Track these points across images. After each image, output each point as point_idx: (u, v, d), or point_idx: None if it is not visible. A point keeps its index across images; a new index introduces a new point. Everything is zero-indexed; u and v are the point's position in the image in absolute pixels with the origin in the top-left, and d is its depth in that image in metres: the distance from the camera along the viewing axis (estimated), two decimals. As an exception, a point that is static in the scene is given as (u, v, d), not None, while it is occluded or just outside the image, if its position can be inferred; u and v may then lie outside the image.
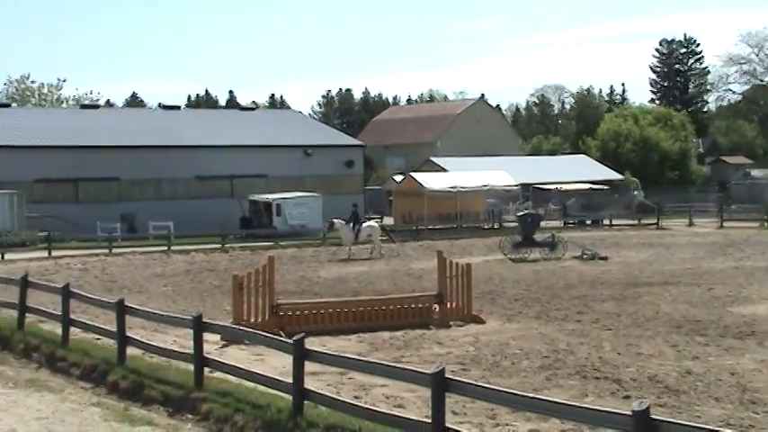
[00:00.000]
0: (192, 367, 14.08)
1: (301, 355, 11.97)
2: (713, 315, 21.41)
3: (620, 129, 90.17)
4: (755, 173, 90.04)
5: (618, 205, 69.28)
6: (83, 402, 13.84)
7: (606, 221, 62.09)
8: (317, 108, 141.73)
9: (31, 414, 13.01)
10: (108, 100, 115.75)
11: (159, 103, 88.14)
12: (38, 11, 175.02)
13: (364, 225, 43.07)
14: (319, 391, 12.32)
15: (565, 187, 71.67)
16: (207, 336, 14.69)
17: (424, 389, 10.98)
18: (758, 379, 14.49)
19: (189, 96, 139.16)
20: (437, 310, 20.94)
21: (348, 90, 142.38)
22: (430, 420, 10.14)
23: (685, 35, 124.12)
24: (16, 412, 13.10)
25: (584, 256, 37.25)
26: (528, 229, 39.39)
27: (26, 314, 19.78)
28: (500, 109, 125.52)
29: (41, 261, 39.99)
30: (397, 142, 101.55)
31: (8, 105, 75.41)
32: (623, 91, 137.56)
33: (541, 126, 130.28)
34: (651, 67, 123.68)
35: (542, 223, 44.21)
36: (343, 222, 42.56)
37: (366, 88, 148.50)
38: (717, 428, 9.00)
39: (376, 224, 45.70)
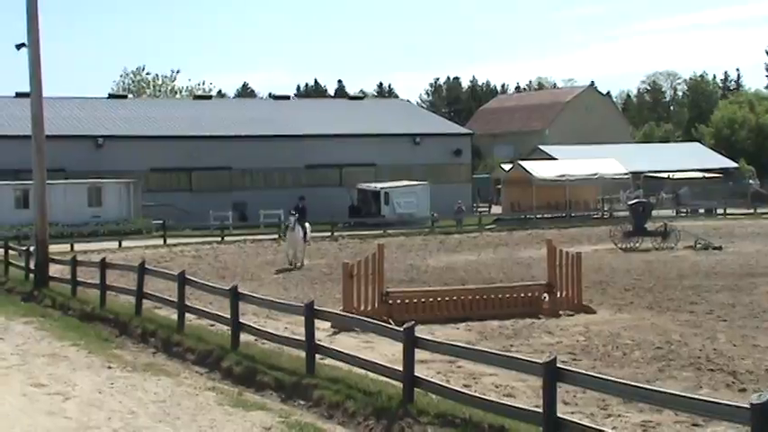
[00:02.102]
0: (303, 354, 14.24)
1: (411, 343, 12.00)
2: (833, 307, 20.77)
3: (735, 116, 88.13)
4: None
5: (732, 194, 67.68)
6: (198, 387, 14.13)
7: (720, 210, 60.72)
8: (425, 97, 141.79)
9: (149, 397, 13.35)
10: (220, 90, 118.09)
11: (269, 93, 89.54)
12: (153, 3, 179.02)
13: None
14: (429, 378, 12.35)
15: (677, 175, 70.36)
16: (318, 323, 14.84)
17: (533, 378, 10.94)
18: None
19: (298, 86, 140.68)
20: (547, 299, 20.79)
21: (456, 78, 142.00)
22: (540, 410, 10.09)
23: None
24: (135, 395, 13.47)
25: (698, 246, 36.51)
26: (639, 219, 38.81)
27: (143, 300, 20.29)
28: (610, 96, 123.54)
29: (156, 248, 41.01)
30: (506, 131, 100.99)
31: (124, 97, 77.53)
32: (738, 77, 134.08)
33: (653, 113, 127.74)
34: (767, 52, 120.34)
35: (654, 212, 43.50)
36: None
37: (474, 76, 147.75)
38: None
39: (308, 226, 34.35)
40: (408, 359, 11.99)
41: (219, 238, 45.27)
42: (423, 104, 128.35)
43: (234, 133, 61.48)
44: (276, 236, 45.66)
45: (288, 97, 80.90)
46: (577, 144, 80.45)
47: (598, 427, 10.04)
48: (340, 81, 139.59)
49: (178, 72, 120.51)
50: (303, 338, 14.32)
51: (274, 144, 61.25)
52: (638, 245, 37.13)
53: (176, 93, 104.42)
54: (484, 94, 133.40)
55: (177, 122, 62.64)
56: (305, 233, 33.20)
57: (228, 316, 16.45)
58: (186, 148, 59.07)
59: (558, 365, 10.01)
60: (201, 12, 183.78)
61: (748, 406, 7.89)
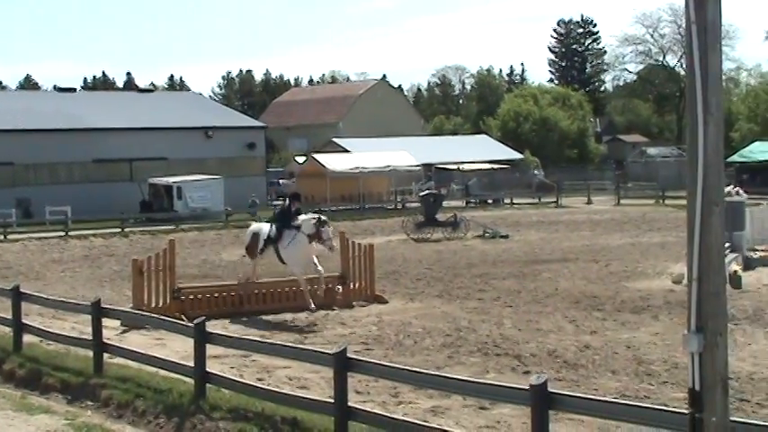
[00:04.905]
0: (91, 354, 13.86)
1: (202, 339, 11.88)
2: (610, 290, 21.88)
3: (520, 109, 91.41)
4: (651, 151, 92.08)
5: (518, 184, 70.27)
6: (-23, 392, 13.51)
7: (507, 200, 62.86)
8: (218, 90, 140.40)
9: (-76, 405, 12.66)
10: (0, 82, 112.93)
11: (54, 86, 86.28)
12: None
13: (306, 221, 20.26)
14: (221, 373, 12.25)
15: (466, 167, 72.27)
16: (107, 321, 14.46)
17: (326, 369, 11.01)
18: (653, 351, 14.87)
19: (85, 78, 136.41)
20: (340, 290, 20.96)
21: (249, 71, 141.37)
22: (332, 400, 10.17)
23: (582, 16, 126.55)
24: None
25: (486, 235, 37.69)
26: (430, 209, 39.67)
27: None
28: (401, 89, 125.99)
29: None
30: (300, 123, 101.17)
31: None
32: (522, 71, 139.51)
33: (443, 106, 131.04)
34: (549, 48, 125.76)
35: (444, 203, 44.60)
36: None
37: (267, 69, 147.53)
38: (612, 400, 9.23)
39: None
40: (199, 355, 11.86)
41: (2, 237, 43.34)
42: (215, 97, 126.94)
43: (16, 127, 58.89)
44: (62, 233, 44.08)
45: (74, 90, 78.22)
46: (370, 137, 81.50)
47: (389, 415, 10.22)
48: (129, 73, 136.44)
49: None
50: (90, 338, 13.92)
51: (60, 138, 59.05)
52: (429, 235, 37.96)
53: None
54: (277, 86, 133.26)
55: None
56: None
57: (10, 317, 15.79)
58: (-36, 142, 56.24)
59: (348, 356, 10.12)
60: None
61: (528, 387, 8.20)
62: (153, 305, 18.48)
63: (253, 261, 20.75)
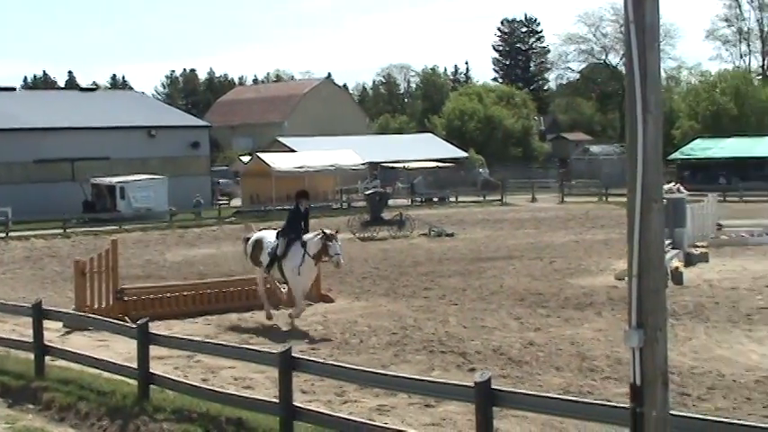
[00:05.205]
0: (32, 356, 13.68)
1: (146, 340, 11.80)
2: (554, 287, 22.07)
3: (465, 107, 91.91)
4: (594, 149, 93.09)
5: (463, 182, 70.64)
6: None
7: (452, 199, 63.13)
8: (161, 89, 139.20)
9: None
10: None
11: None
12: None
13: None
14: (165, 375, 12.16)
15: (412, 165, 72.49)
16: (48, 323, 14.29)
17: (272, 369, 10.97)
18: (596, 347, 15.02)
19: (25, 77, 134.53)
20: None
21: (192, 70, 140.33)
22: (278, 400, 10.14)
23: (526, 15, 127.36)
24: None
25: (432, 234, 37.82)
26: (376, 208, 39.70)
27: None
28: (347, 88, 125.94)
29: None
30: (244, 123, 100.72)
31: None
32: (467, 70, 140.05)
33: (388, 105, 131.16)
34: (494, 47, 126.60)
35: (390, 201, 44.67)
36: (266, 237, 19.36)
37: (211, 68, 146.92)
38: (555, 396, 9.31)
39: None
40: (143, 356, 11.78)
41: (-60, 239, 42.63)
42: (158, 96, 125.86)
43: (-46, 126, 57.92)
44: (3, 234, 43.42)
45: (14, 89, 77.05)
46: (316, 136, 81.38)
47: (334, 414, 10.21)
48: (71, 72, 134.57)
49: None
50: (32, 340, 13.75)
51: None
52: (375, 234, 38.00)
53: None
54: (222, 86, 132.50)
55: None
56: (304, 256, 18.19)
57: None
58: None
59: (293, 355, 10.09)
60: None
61: (473, 385, 8.24)
62: (96, 306, 18.27)
63: (259, 268, 18.94)
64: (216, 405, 10.98)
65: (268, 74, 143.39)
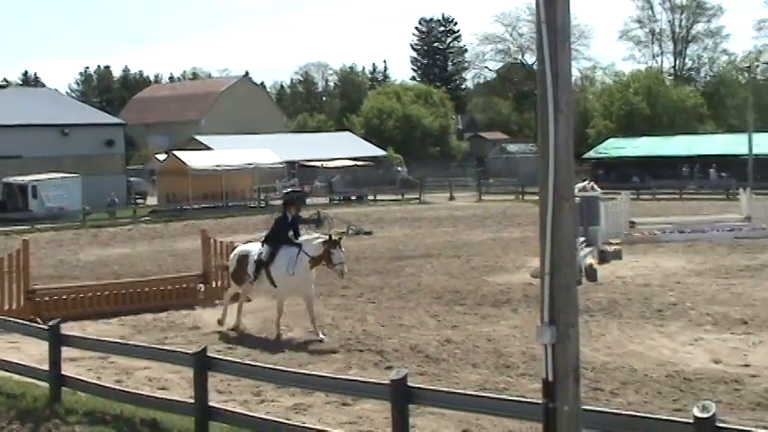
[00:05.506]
0: (-61, 359, 13.35)
1: (57, 341, 11.61)
2: (471, 285, 22.24)
3: (383, 106, 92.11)
4: (511, 148, 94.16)
5: (382, 181, 70.84)
6: None
7: (371, 197, 63.23)
8: (75, 86, 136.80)
9: None
10: None
11: None
12: None
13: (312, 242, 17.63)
14: (77, 376, 11.97)
15: (330, 164, 72.44)
16: (-44, 325, 13.95)
17: (187, 369, 10.86)
18: (512, 344, 15.17)
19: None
20: (202, 290, 20.72)
21: (107, 67, 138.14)
22: (193, 400, 10.05)
23: (443, 14, 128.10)
24: None
25: (350, 232, 37.80)
26: (294, 207, 39.49)
27: None
28: (264, 86, 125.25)
29: None
30: (160, 120, 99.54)
31: None
32: (385, 68, 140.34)
33: (306, 104, 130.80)
34: (412, 45, 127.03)
35: (308, 200, 44.57)
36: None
37: (126, 65, 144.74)
38: (470, 392, 9.38)
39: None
40: (54, 358, 11.58)
41: None
42: (72, 94, 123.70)
43: None
44: None
45: None
46: (233, 134, 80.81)
47: (250, 414, 10.15)
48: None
49: None
50: (-62, 343, 13.43)
51: None
52: (293, 232, 37.79)
53: None
54: (137, 83, 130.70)
55: None
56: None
57: None
58: None
59: (208, 355, 10.02)
60: None
61: (388, 383, 8.26)
62: (6, 307, 17.94)
63: (241, 288, 17.67)
64: (130, 406, 10.86)
65: (185, 71, 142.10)
